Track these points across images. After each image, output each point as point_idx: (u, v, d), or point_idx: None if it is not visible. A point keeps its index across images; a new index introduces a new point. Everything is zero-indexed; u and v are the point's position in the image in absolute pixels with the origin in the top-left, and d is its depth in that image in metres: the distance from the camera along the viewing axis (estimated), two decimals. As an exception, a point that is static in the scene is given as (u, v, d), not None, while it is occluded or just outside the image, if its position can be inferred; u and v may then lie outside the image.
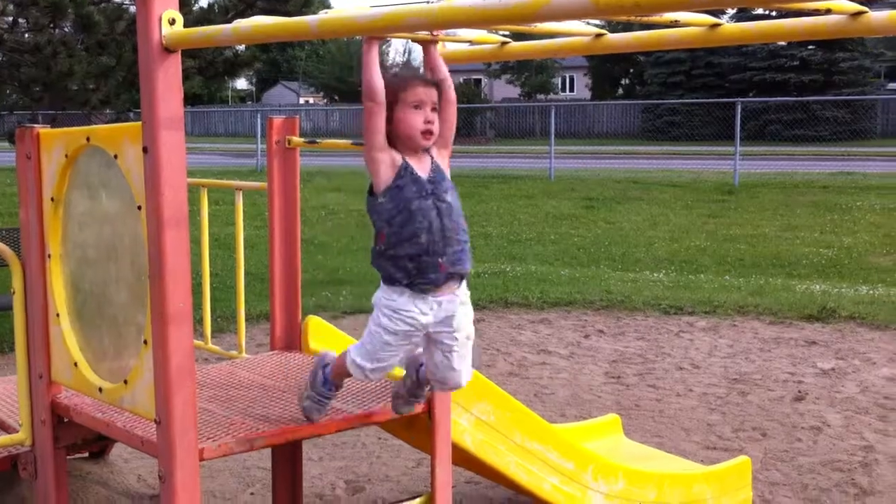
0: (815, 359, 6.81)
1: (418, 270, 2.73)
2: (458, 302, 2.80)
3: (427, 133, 2.75)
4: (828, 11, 2.03)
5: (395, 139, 2.76)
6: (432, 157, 2.80)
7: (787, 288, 9.20)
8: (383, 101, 2.71)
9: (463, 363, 2.87)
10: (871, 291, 9.00)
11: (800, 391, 6.07)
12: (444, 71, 2.82)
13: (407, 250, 2.73)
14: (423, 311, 2.76)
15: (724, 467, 4.19)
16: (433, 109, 2.77)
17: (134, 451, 4.21)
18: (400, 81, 2.76)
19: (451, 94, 2.81)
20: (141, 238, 2.64)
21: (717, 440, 5.22)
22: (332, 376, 2.98)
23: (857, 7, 2.00)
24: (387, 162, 2.76)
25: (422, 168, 2.77)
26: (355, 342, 4.00)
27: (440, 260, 2.74)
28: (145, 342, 2.67)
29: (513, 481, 3.67)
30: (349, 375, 2.92)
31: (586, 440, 4.33)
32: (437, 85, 2.79)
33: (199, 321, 3.93)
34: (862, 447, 5.09)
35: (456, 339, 2.83)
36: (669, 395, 6.02)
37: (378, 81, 2.70)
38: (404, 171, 2.75)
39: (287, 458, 3.69)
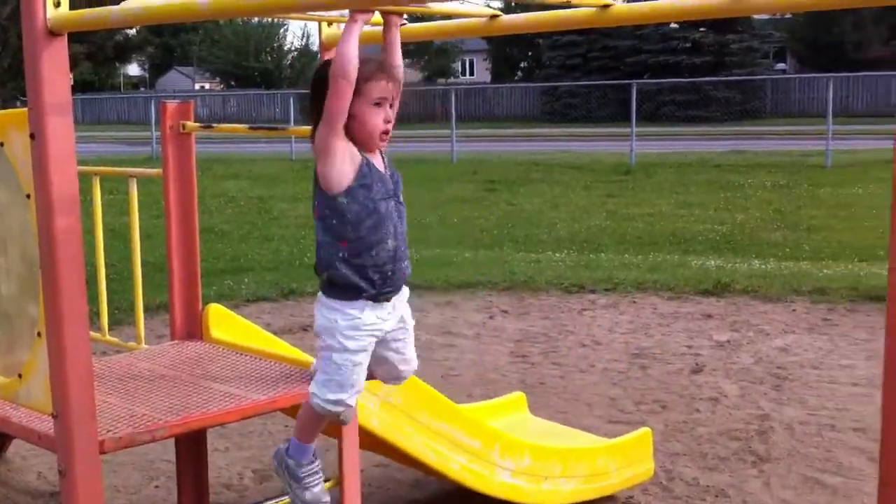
0: (711, 332, 7.02)
1: (384, 279, 2.57)
2: (404, 297, 2.74)
3: (385, 134, 2.55)
4: (713, -9, 2.09)
5: (348, 136, 2.50)
6: (381, 153, 2.62)
7: (684, 264, 9.44)
8: (354, 81, 2.40)
9: (412, 350, 2.85)
10: (764, 266, 9.30)
11: (697, 363, 6.25)
12: (399, 57, 2.57)
13: (375, 259, 2.54)
14: (384, 318, 2.64)
15: (626, 440, 4.29)
16: (391, 106, 2.55)
17: (33, 448, 4.10)
18: (363, 70, 2.44)
19: (399, 85, 2.58)
20: (31, 228, 2.56)
21: (620, 414, 5.34)
22: (301, 441, 2.77)
23: (741, -14, 2.07)
24: (346, 154, 2.48)
25: (380, 165, 2.58)
26: (262, 331, 3.98)
27: (404, 265, 2.64)
28: (39, 334, 2.60)
29: (421, 462, 3.70)
30: (321, 421, 2.74)
31: (493, 418, 4.38)
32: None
33: (95, 313, 3.83)
34: (758, 416, 5.26)
35: (407, 330, 2.79)
36: (573, 372, 6.12)
37: (355, 56, 2.37)
38: (367, 169, 2.52)
39: (192, 449, 3.64)
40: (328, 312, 2.60)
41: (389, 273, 2.58)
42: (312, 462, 2.78)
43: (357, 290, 2.56)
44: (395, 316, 2.70)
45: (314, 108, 2.50)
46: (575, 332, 7.07)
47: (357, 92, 2.45)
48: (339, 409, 2.67)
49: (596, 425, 5.07)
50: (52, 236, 2.44)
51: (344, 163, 2.49)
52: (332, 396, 2.63)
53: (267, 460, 4.71)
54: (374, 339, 2.66)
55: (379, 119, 2.50)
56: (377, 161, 2.59)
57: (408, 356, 2.83)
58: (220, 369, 3.37)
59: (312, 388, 2.69)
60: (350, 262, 2.54)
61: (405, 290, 2.75)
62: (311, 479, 2.78)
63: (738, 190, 15.58)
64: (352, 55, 2.38)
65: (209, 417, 2.95)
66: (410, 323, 2.79)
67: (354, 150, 2.52)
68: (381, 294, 2.59)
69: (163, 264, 3.86)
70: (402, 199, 2.63)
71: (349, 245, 2.53)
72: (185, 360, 3.47)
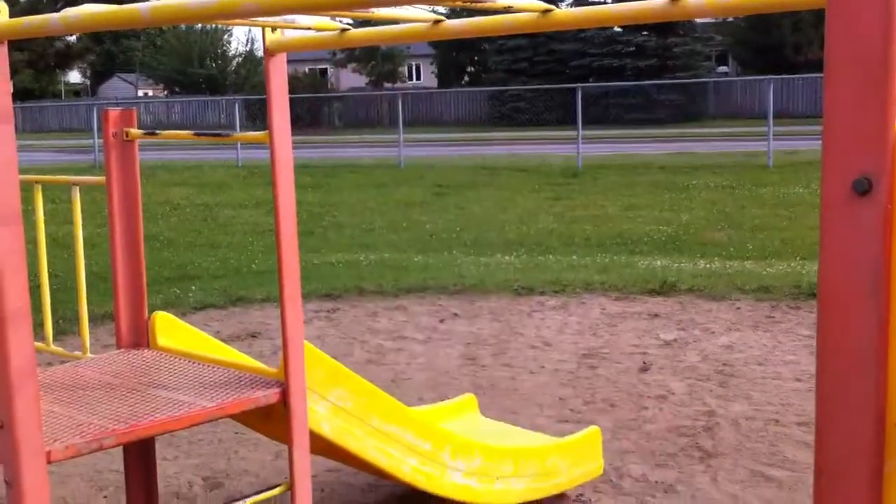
0: (658, 331, 7.11)
1: None
2: None
3: None
4: (650, -5, 2.14)
5: None
6: None
7: (631, 265, 9.56)
8: None
9: None
10: (708, 265, 9.45)
11: (645, 362, 6.33)
12: None
13: None
14: None
15: (575, 438, 4.33)
16: None
17: (-25, 463, 4.02)
18: None
19: None
20: (-28, 238, 2.53)
21: (570, 413, 5.39)
22: None
23: (676, -10, 2.11)
24: None
25: None
26: (210, 338, 3.96)
27: None
28: (-19, 346, 2.56)
29: (373, 466, 3.70)
30: None
31: (443, 420, 4.40)
32: None
33: (39, 323, 3.78)
34: (704, 412, 5.35)
35: None
36: (523, 373, 6.17)
37: None
38: None
39: (140, 458, 3.60)
40: None
41: None
42: None
43: None
44: None
45: None
46: (525, 334, 7.12)
47: None
48: None
49: (546, 425, 5.11)
50: (-7, 246, 2.42)
51: None
52: None
53: (218, 467, 4.68)
54: None
55: None
56: None
57: None
58: (167, 377, 3.34)
59: None
60: None
61: None
62: None
63: (684, 191, 15.79)
64: None
65: (157, 425, 2.93)
66: None
67: None
68: None
69: (108, 273, 3.83)
70: None
71: None
72: (132, 369, 3.44)
